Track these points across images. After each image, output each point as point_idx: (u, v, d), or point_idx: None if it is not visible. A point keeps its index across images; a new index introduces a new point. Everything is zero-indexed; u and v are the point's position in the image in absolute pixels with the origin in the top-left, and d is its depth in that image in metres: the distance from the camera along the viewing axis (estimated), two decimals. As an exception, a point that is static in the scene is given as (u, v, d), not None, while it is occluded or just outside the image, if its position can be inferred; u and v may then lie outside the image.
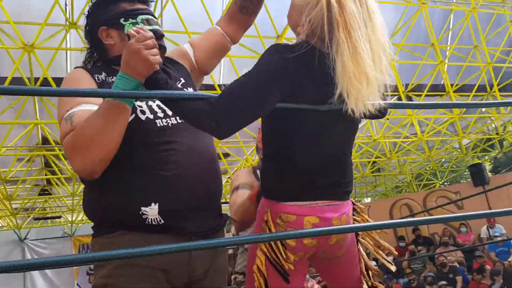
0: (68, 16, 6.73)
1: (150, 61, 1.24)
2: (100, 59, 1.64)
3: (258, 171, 2.53)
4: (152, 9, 1.68)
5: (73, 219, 12.83)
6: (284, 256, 1.48)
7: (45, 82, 6.57)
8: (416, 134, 10.59)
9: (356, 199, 15.52)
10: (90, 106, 1.37)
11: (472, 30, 9.44)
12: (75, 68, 1.61)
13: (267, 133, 1.56)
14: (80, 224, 13.35)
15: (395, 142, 11.57)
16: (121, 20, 1.55)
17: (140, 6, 1.59)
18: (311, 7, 1.37)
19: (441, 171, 15.62)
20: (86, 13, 1.64)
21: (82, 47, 6.87)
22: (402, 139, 11.20)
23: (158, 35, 1.53)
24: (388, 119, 10.30)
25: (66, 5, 7.19)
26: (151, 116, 1.46)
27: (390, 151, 11.78)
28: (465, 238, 10.73)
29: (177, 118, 1.51)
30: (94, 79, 1.50)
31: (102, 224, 1.43)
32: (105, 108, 1.27)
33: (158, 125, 1.46)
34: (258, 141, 2.42)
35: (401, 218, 11.35)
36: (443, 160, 15.24)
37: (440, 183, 15.38)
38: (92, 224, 1.50)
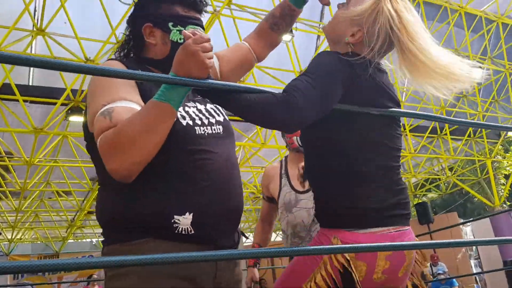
0: (36, 22, 6.55)
1: (206, 64, 1.17)
2: (134, 53, 1.56)
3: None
4: (204, 20, 1.62)
5: (12, 236, 12.05)
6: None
7: (7, 87, 6.30)
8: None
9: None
10: (130, 103, 1.29)
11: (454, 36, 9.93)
12: (110, 59, 1.51)
13: (321, 146, 1.46)
14: (18, 243, 12.56)
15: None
16: (170, 24, 1.47)
17: (193, 14, 1.52)
18: (367, 18, 1.41)
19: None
20: (136, 2, 1.56)
21: (47, 54, 6.66)
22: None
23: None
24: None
25: (35, 10, 6.99)
26: (191, 122, 1.39)
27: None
28: (410, 274, 10.97)
29: (213, 127, 1.45)
30: None
31: (125, 230, 1.32)
32: (151, 108, 1.20)
33: (197, 132, 1.39)
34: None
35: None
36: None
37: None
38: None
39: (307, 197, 2.45)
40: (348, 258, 1.33)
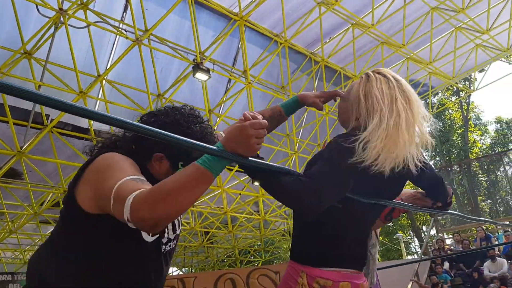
0: None
1: (255, 148, 1.25)
2: (134, 159, 1.56)
3: None
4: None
5: None
6: None
7: None
8: (259, 212, 11.37)
9: (183, 269, 15.47)
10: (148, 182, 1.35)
11: (318, 130, 10.90)
12: (111, 151, 1.54)
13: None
14: None
15: (236, 217, 12.16)
16: (180, 164, 1.61)
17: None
18: (361, 104, 1.71)
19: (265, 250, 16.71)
20: (152, 117, 1.66)
21: None
22: (244, 215, 11.86)
23: None
24: (240, 194, 10.95)
25: None
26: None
27: (230, 224, 12.30)
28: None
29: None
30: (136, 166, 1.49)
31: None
32: (194, 171, 1.23)
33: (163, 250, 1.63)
34: None
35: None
36: (266, 240, 16.36)
37: (263, 261, 16.36)
38: None
39: None
40: (315, 287, 1.64)
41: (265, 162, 1.48)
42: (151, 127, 1.11)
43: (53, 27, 6.83)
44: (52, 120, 7.52)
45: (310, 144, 11.07)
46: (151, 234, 1.56)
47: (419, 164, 1.66)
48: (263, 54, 9.91)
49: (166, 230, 1.65)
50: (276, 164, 1.51)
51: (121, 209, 1.22)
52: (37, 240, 12.99)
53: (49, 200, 9.45)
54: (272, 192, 1.50)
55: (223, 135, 1.33)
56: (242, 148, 1.25)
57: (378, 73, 1.73)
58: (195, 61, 8.29)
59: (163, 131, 1.12)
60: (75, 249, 1.47)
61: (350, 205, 1.69)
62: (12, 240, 12.37)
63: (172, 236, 1.69)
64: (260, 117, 1.30)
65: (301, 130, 11.42)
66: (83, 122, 8.42)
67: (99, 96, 8.29)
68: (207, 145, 1.21)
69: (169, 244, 1.68)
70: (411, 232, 25.52)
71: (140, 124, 1.09)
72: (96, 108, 8.57)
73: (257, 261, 15.90)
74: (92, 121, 8.01)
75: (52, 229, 1.59)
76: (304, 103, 2.01)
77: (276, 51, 9.82)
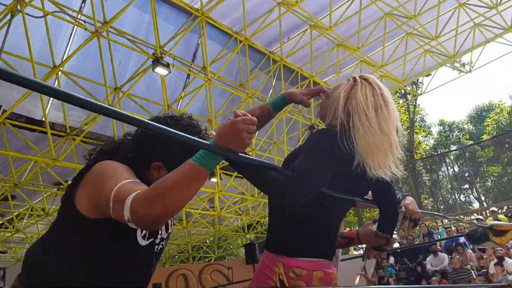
0: None
1: (245, 144, 1.31)
2: (132, 167, 1.60)
3: None
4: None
5: None
6: None
7: None
8: (214, 208, 11.43)
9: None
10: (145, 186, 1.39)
11: (275, 129, 11.10)
12: (107, 159, 1.58)
13: None
14: None
15: (191, 213, 12.16)
16: None
17: None
18: (340, 104, 1.82)
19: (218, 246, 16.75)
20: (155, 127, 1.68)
21: None
22: (200, 211, 11.88)
23: None
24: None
25: None
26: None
27: (185, 220, 12.28)
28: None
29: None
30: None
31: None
32: (188, 168, 1.27)
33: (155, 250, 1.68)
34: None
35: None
36: (220, 236, 16.40)
37: (215, 257, 16.39)
38: None
39: None
40: (292, 276, 1.76)
41: (255, 158, 1.57)
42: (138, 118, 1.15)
43: (9, 15, 6.59)
44: (4, 111, 7.25)
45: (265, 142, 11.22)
46: (146, 236, 1.60)
47: (390, 175, 1.78)
48: (223, 51, 9.98)
49: (160, 230, 1.68)
50: (264, 160, 1.61)
51: (121, 209, 1.26)
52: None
53: (-1, 194, 9.09)
54: (258, 184, 1.58)
55: (214, 134, 1.37)
56: (233, 143, 1.29)
57: (365, 79, 1.85)
58: (155, 55, 8.23)
59: (154, 123, 1.18)
60: (75, 249, 1.49)
61: (325, 199, 1.80)
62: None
63: (164, 236, 1.74)
64: (249, 115, 1.35)
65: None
66: (37, 114, 8.16)
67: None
68: (202, 141, 1.26)
69: (161, 243, 1.73)
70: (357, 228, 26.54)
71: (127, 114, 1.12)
72: (50, 101, 8.33)
73: (210, 257, 15.95)
74: (47, 113, 7.79)
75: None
76: (292, 100, 2.11)
77: (236, 48, 9.91)
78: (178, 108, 9.77)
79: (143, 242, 1.59)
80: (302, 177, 1.60)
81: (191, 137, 1.24)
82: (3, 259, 12.88)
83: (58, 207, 1.52)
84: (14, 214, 9.92)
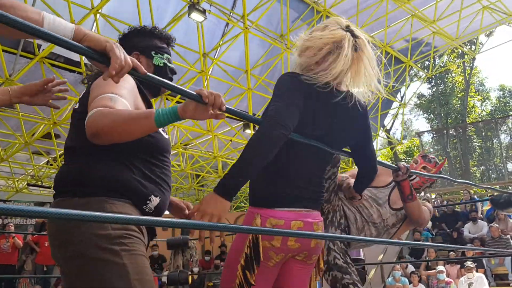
0: None
1: (207, 117, 1.44)
2: None
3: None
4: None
5: None
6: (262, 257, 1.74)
7: None
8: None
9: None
10: (129, 106, 1.56)
11: (283, 67, 10.71)
12: None
13: None
14: None
15: (227, 163, 12.29)
16: (152, 52, 1.86)
17: (166, 46, 1.93)
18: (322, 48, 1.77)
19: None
20: (121, 36, 1.92)
21: None
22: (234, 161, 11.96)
23: (174, 72, 1.91)
24: (231, 140, 11.01)
25: None
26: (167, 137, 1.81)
27: (220, 170, 12.45)
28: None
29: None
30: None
31: (103, 189, 1.55)
32: (145, 114, 1.43)
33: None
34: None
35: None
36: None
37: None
38: None
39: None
40: (269, 227, 1.73)
41: (239, 110, 1.63)
42: None
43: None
44: (43, 50, 7.44)
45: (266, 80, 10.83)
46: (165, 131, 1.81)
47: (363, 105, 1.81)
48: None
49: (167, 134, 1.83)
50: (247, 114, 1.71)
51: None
52: (30, 170, 13.19)
53: (40, 131, 9.51)
54: (255, 145, 1.59)
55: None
56: (195, 115, 1.42)
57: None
58: (192, 0, 8.09)
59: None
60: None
61: (296, 145, 1.75)
62: (5, 169, 12.57)
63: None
64: (214, 94, 1.44)
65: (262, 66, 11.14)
66: (74, 55, 8.33)
67: (93, 30, 8.14)
68: (187, 90, 1.42)
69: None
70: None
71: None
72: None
73: (246, 207, 16.23)
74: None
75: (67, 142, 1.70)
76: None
77: (277, -4, 9.58)
78: (215, 57, 9.66)
79: (166, 136, 1.77)
80: (279, 112, 1.62)
81: (182, 88, 1.43)
82: (48, 194, 13.66)
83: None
84: (58, 152, 10.39)
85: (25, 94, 1.89)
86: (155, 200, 1.63)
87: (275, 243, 1.74)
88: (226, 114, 1.56)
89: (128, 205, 1.56)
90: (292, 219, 1.75)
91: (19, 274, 9.50)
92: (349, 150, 2.03)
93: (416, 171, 2.56)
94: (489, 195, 13.82)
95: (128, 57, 1.33)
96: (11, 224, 10.96)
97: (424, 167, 2.76)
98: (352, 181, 2.34)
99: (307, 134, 1.74)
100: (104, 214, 1.07)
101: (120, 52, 1.30)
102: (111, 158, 1.58)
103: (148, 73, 1.38)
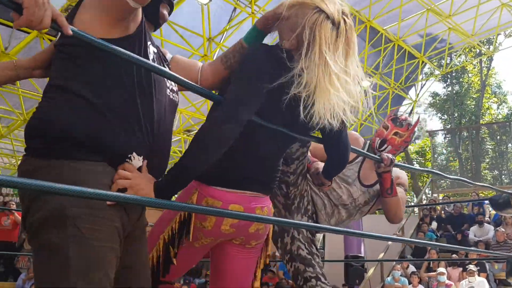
0: None
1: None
2: None
3: None
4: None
5: None
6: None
7: None
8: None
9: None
10: None
11: None
12: None
13: None
14: None
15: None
16: None
17: None
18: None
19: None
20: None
21: None
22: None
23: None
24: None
25: None
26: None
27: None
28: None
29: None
30: None
31: (74, 146, 1.28)
32: None
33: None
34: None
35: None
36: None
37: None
38: None
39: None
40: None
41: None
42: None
43: None
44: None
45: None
46: None
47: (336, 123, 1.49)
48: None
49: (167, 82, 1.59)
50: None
51: None
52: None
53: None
54: (201, 154, 1.41)
55: None
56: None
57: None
58: (197, -19, 7.90)
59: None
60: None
61: (250, 127, 1.51)
62: (8, 146, 12.56)
63: (175, 88, 1.63)
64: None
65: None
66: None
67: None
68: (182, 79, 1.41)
69: (173, 94, 1.61)
70: (413, 193, 25.30)
71: None
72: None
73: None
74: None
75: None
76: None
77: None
78: (220, 42, 9.46)
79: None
80: (236, 106, 1.43)
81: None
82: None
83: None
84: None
85: (37, 67, 1.55)
86: (137, 161, 1.36)
87: (206, 224, 1.57)
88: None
89: (101, 167, 1.30)
90: (231, 202, 1.56)
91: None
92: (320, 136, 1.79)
93: (396, 160, 2.28)
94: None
95: (49, 16, 1.08)
96: (13, 202, 10.93)
97: (396, 133, 2.39)
98: (320, 165, 2.10)
99: None
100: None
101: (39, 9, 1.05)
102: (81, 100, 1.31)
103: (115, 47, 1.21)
